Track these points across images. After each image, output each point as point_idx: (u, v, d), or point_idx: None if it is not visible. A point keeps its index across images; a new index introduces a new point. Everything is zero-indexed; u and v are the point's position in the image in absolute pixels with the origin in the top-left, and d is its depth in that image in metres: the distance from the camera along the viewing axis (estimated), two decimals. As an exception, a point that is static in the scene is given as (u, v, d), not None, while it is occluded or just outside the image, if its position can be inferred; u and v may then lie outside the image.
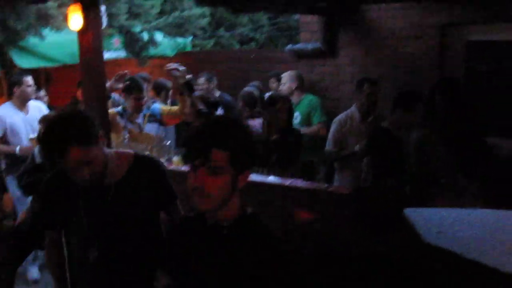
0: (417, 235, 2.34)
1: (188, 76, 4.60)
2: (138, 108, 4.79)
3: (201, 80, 6.36)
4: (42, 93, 6.28)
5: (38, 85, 8.27)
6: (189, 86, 4.58)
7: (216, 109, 5.35)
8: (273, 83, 6.64)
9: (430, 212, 2.62)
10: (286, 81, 5.74)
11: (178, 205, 2.61)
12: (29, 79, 5.21)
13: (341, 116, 4.79)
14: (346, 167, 4.70)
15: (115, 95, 5.57)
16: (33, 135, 4.96)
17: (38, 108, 5.37)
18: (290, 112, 4.41)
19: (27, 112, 5.28)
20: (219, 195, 1.72)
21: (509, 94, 5.24)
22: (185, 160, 1.78)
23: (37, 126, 5.14)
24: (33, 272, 5.33)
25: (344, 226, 3.28)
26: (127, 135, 4.74)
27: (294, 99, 5.57)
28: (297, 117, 5.50)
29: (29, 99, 5.29)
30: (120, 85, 4.73)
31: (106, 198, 2.40)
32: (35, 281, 5.33)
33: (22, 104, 5.25)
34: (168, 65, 4.61)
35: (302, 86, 5.78)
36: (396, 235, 2.84)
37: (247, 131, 1.79)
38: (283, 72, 6.40)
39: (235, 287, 1.71)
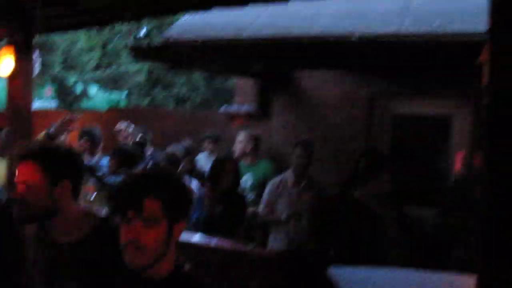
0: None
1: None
2: None
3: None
4: None
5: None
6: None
7: (142, 148, 5.24)
8: (208, 144, 6.63)
9: (355, 271, 2.64)
10: (241, 141, 5.50)
11: None
12: None
13: (275, 179, 4.80)
14: (278, 230, 4.68)
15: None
16: None
17: None
18: (236, 175, 4.34)
19: None
20: (155, 247, 1.64)
21: (431, 166, 5.49)
22: (115, 212, 1.69)
23: None
24: None
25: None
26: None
27: (247, 161, 5.45)
28: (247, 181, 5.29)
29: None
30: (68, 130, 4.57)
31: (54, 257, 2.16)
32: None
33: None
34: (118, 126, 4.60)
35: (257, 149, 5.57)
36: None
37: (181, 181, 1.77)
38: (218, 134, 6.46)
39: None
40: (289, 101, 6.24)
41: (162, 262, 1.69)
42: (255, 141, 5.56)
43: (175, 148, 5.63)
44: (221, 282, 3.36)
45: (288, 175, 4.75)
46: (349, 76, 5.87)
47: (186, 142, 6.32)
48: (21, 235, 2.24)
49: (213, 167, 4.36)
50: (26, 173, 2.02)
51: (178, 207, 1.70)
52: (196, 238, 3.83)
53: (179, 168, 5.24)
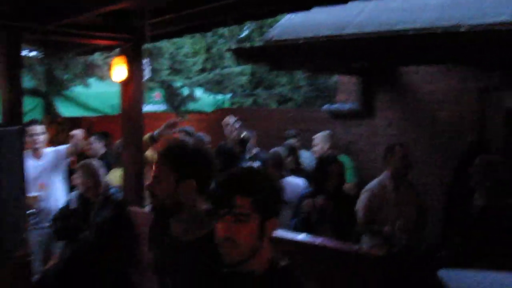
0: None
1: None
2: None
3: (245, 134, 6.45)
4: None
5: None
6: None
7: (244, 145, 5.35)
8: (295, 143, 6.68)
9: (466, 275, 2.52)
10: (319, 142, 5.70)
11: None
12: (33, 128, 5.24)
13: (373, 185, 4.52)
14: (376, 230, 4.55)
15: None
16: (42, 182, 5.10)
17: (54, 151, 5.33)
18: (341, 176, 4.29)
19: (39, 159, 5.28)
20: (247, 243, 1.71)
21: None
22: (211, 213, 1.77)
23: (50, 173, 5.18)
24: None
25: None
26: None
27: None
28: None
29: (36, 147, 5.27)
30: (170, 132, 4.83)
31: (177, 253, 2.23)
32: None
33: (33, 151, 5.26)
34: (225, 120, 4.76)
35: (334, 147, 5.74)
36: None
37: (271, 179, 1.80)
38: (296, 132, 6.52)
39: None
40: (394, 97, 6.08)
41: (257, 257, 1.75)
42: (332, 139, 5.70)
43: (278, 149, 5.70)
44: (325, 281, 3.35)
45: (386, 179, 4.48)
46: (457, 70, 5.62)
47: (290, 141, 6.38)
48: (136, 233, 2.37)
49: (317, 168, 4.36)
50: (158, 169, 2.15)
51: (269, 205, 1.74)
52: (301, 236, 3.84)
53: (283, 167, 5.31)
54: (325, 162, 4.30)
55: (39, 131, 5.18)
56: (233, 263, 1.77)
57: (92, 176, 4.34)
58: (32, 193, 4.93)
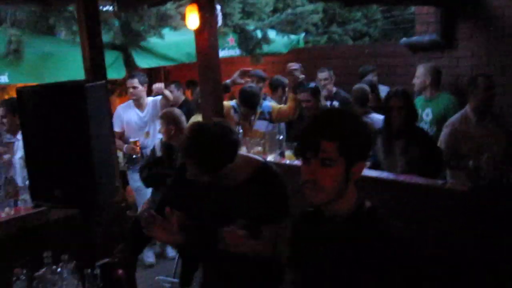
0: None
1: (301, 76, 4.75)
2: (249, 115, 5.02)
3: (323, 74, 6.37)
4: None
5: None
6: (299, 85, 4.72)
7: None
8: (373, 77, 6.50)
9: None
10: (420, 74, 5.31)
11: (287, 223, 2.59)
12: (131, 82, 5.69)
13: (455, 118, 4.41)
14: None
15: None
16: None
17: (153, 102, 5.68)
18: (408, 110, 4.02)
19: (142, 110, 5.63)
20: (332, 186, 1.71)
21: None
22: (297, 153, 1.78)
23: (151, 122, 5.49)
24: (149, 256, 5.67)
25: (462, 225, 3.13)
26: (240, 130, 4.88)
27: (427, 94, 5.27)
28: (428, 114, 5.16)
29: (137, 98, 5.61)
30: (243, 81, 4.87)
31: (227, 199, 2.49)
32: (151, 265, 5.67)
33: (136, 102, 5.63)
34: (290, 65, 4.75)
35: (438, 81, 5.32)
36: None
37: (359, 122, 1.76)
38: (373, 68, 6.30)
39: (349, 281, 1.68)
40: (477, 26, 5.75)
41: (341, 200, 1.75)
42: (436, 73, 5.28)
43: (362, 85, 5.60)
44: (410, 217, 3.33)
45: (469, 112, 4.32)
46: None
47: (369, 77, 6.23)
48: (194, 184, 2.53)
49: (383, 104, 4.25)
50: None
51: (355, 149, 1.72)
52: (385, 174, 3.82)
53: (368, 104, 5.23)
54: (386, 97, 4.14)
55: (137, 84, 5.53)
56: (315, 204, 1.80)
57: (174, 123, 4.49)
58: (132, 139, 5.33)
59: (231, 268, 2.53)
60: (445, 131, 4.43)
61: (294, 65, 4.82)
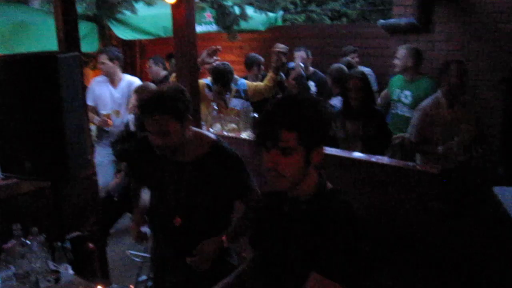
0: (505, 213, 2.25)
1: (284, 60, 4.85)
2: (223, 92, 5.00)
3: (300, 53, 6.34)
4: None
5: (134, 58, 8.65)
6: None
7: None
8: (353, 59, 6.51)
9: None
10: (401, 56, 5.26)
11: (255, 196, 2.64)
12: (99, 57, 5.52)
13: (426, 103, 4.44)
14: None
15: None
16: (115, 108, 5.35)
17: (129, 83, 5.55)
18: (366, 92, 4.20)
19: (115, 87, 5.50)
20: (292, 174, 1.75)
21: None
22: (257, 142, 1.79)
23: (125, 99, 5.39)
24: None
25: (431, 206, 3.19)
26: (215, 107, 4.87)
27: (408, 76, 5.24)
28: (407, 97, 5.16)
29: (107, 74, 5.50)
30: (211, 60, 4.77)
31: (183, 173, 2.55)
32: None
33: (108, 78, 5.49)
34: (278, 46, 4.72)
35: (419, 64, 5.29)
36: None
37: (319, 109, 1.76)
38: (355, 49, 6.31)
39: (310, 261, 1.71)
40: (453, 10, 5.79)
41: (302, 184, 1.80)
42: (417, 55, 5.26)
43: (340, 65, 5.61)
44: (381, 198, 3.39)
45: (440, 97, 4.36)
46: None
47: (347, 58, 6.24)
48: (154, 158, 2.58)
49: (343, 85, 4.33)
50: (164, 125, 2.41)
51: (314, 136, 1.74)
52: (356, 154, 3.86)
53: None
54: (344, 78, 4.25)
55: (105, 59, 5.36)
56: (279, 190, 1.84)
57: None
58: (104, 111, 5.24)
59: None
60: (416, 115, 4.47)
61: (283, 48, 4.76)
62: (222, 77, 4.88)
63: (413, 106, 5.02)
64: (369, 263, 1.74)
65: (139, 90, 4.55)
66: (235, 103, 5.03)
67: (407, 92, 5.16)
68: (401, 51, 5.28)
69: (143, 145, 2.67)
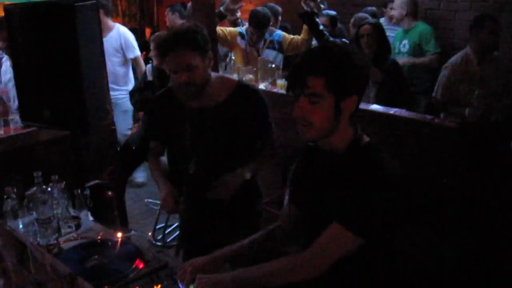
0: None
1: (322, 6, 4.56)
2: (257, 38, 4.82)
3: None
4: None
5: (151, 7, 8.54)
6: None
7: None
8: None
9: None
10: (397, 6, 5.40)
11: (273, 135, 2.64)
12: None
13: (455, 59, 4.33)
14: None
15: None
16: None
17: (118, 33, 5.34)
18: (380, 40, 4.12)
19: (104, 36, 5.35)
20: (321, 123, 1.72)
21: None
22: (287, 89, 1.78)
23: (112, 49, 5.26)
24: (140, 176, 5.75)
25: (449, 160, 3.18)
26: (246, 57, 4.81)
27: (405, 25, 5.35)
28: (405, 45, 5.27)
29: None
30: (236, 6, 4.66)
31: (206, 119, 2.51)
32: (141, 185, 5.80)
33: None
34: None
35: (415, 12, 5.39)
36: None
37: (350, 56, 1.71)
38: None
39: (341, 212, 1.71)
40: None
41: (336, 136, 1.77)
42: (412, 4, 5.32)
43: (363, 14, 5.50)
44: (402, 151, 3.37)
45: (470, 53, 4.25)
46: None
47: (371, 8, 6.08)
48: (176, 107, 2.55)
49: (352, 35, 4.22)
50: (191, 60, 2.36)
51: (344, 84, 1.69)
52: (374, 106, 3.83)
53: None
54: (357, 26, 4.14)
55: None
56: (308, 141, 1.83)
57: None
58: None
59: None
60: (443, 72, 4.37)
61: None
62: (256, 20, 4.75)
63: (410, 53, 5.19)
64: (395, 220, 1.73)
65: (157, 40, 4.51)
66: (268, 54, 4.92)
67: (405, 41, 5.26)
68: (397, 1, 5.34)
69: (163, 98, 2.66)
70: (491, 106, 3.52)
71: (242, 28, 4.97)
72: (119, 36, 5.28)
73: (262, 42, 4.88)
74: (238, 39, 4.87)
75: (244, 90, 2.56)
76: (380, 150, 1.78)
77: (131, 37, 5.38)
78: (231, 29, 4.89)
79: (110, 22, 5.30)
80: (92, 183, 2.97)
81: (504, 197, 2.89)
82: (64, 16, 2.62)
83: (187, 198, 2.58)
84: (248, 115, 2.51)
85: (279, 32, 5.07)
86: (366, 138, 1.82)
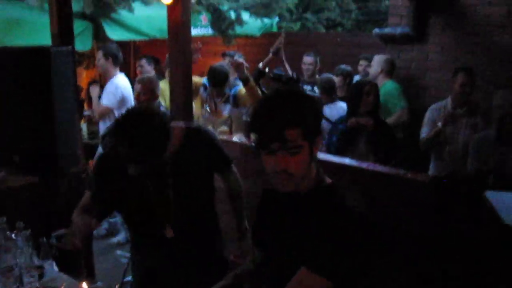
0: (497, 217, 2.25)
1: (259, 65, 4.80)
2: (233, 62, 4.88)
3: (309, 59, 6.31)
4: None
5: (127, 58, 8.60)
6: (259, 74, 4.69)
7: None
8: (360, 66, 6.51)
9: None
10: (374, 63, 5.60)
11: (233, 170, 2.64)
12: (97, 54, 5.46)
13: (435, 105, 4.65)
14: (441, 156, 4.52)
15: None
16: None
17: (114, 81, 5.41)
18: (376, 98, 4.23)
19: (104, 84, 5.45)
20: (301, 172, 1.70)
21: None
22: (260, 147, 1.72)
23: (106, 97, 5.30)
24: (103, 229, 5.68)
25: (422, 213, 3.19)
26: (207, 109, 4.85)
27: (378, 82, 5.43)
28: None
29: (101, 72, 5.42)
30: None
31: (165, 170, 2.43)
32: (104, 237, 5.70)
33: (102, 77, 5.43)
34: (235, 60, 4.74)
35: (390, 71, 5.54)
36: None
37: (311, 99, 1.75)
38: (372, 56, 6.30)
39: (308, 255, 1.67)
40: (448, 21, 5.81)
41: (305, 179, 1.75)
42: (388, 64, 5.53)
43: (329, 75, 5.62)
44: (372, 204, 3.37)
45: (448, 101, 4.54)
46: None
47: (343, 66, 6.24)
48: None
49: (352, 90, 4.32)
50: None
51: (315, 128, 1.71)
52: (347, 160, 3.85)
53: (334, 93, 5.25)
54: (360, 84, 4.26)
55: (100, 56, 5.27)
56: (288, 191, 1.76)
57: (149, 90, 4.57)
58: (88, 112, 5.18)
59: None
60: (426, 116, 4.64)
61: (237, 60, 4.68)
62: (213, 78, 4.83)
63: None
64: (363, 262, 1.69)
65: (141, 81, 4.60)
66: (224, 108, 4.99)
67: None
68: (375, 59, 5.60)
69: (111, 156, 2.45)
70: (462, 160, 3.60)
71: (205, 80, 5.04)
72: (111, 83, 5.37)
73: (220, 96, 4.95)
74: (201, 90, 4.95)
75: (194, 133, 2.57)
76: (343, 191, 1.77)
77: (122, 85, 5.43)
78: (197, 79, 4.96)
79: (114, 71, 5.41)
80: (59, 231, 2.88)
81: (480, 247, 2.89)
82: (39, 61, 2.61)
83: (165, 261, 2.51)
84: (204, 154, 2.50)
85: (238, 86, 5.11)
86: (328, 179, 1.81)
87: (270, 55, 4.99)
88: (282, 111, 1.65)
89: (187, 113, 4.11)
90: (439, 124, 4.35)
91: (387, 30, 6.39)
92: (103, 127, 5.23)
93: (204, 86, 4.98)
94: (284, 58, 5.32)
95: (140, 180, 2.40)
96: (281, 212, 1.83)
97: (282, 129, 1.62)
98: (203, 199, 2.55)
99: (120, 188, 2.45)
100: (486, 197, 2.52)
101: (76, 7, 5.76)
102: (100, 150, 5.03)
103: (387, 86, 5.42)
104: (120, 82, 5.42)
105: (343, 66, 6.08)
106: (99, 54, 5.34)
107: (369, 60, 6.06)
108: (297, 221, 1.75)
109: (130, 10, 6.12)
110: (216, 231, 2.63)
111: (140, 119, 2.20)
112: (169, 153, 2.40)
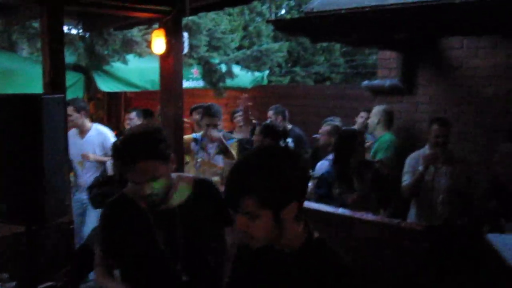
0: (501, 259, 2.20)
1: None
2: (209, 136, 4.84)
3: (270, 113, 6.36)
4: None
5: (119, 110, 8.64)
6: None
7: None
8: (361, 118, 6.54)
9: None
10: (373, 114, 5.58)
11: (232, 230, 2.56)
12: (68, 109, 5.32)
13: (414, 154, 4.61)
14: (422, 203, 4.49)
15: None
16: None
17: (97, 131, 5.34)
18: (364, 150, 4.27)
19: (82, 137, 5.35)
20: (263, 235, 1.65)
21: None
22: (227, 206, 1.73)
23: (92, 149, 5.24)
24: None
25: (415, 262, 3.13)
26: (199, 160, 4.82)
27: (376, 134, 5.50)
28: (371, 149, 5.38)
29: (73, 126, 5.21)
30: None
31: (174, 220, 2.38)
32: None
33: (77, 130, 5.34)
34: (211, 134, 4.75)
35: (388, 122, 5.52)
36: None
37: (283, 165, 1.64)
38: (370, 108, 6.38)
39: None
40: (436, 73, 5.91)
41: (285, 238, 1.68)
42: (387, 115, 5.50)
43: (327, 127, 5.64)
44: (365, 254, 3.32)
45: (426, 150, 4.51)
46: (504, 45, 5.41)
47: (333, 118, 6.27)
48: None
49: (340, 142, 4.25)
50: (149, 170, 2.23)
51: (279, 196, 1.61)
52: (340, 210, 3.81)
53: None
54: (350, 136, 4.25)
55: (71, 111, 5.14)
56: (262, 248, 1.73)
57: None
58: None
59: None
60: (406, 164, 4.59)
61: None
62: (209, 110, 4.81)
63: (373, 156, 5.29)
64: None
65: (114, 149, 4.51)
66: (217, 158, 4.98)
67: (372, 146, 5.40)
68: (374, 110, 5.58)
69: (118, 205, 2.45)
70: (455, 210, 3.58)
71: (197, 134, 5.03)
72: (99, 134, 5.26)
73: (214, 148, 4.92)
74: (192, 144, 4.93)
75: (202, 185, 2.52)
76: (331, 245, 1.73)
77: (109, 134, 5.34)
78: (186, 136, 4.97)
79: (89, 123, 5.30)
80: (45, 284, 2.79)
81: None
82: (30, 108, 2.57)
83: None
84: (210, 208, 2.46)
85: (232, 140, 5.14)
86: (317, 234, 1.75)
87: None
88: (239, 178, 1.63)
89: (179, 163, 4.09)
90: (420, 167, 4.31)
91: (376, 82, 6.49)
92: (87, 179, 5.14)
93: (194, 140, 4.97)
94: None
95: (150, 232, 2.35)
96: (269, 272, 1.76)
97: (236, 197, 1.62)
98: (212, 248, 2.48)
99: (126, 235, 2.39)
100: (488, 240, 2.49)
101: (70, 59, 5.83)
102: (85, 201, 4.96)
103: (383, 138, 5.41)
104: (104, 130, 5.37)
105: (330, 119, 6.11)
106: (69, 110, 5.21)
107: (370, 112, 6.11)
108: (289, 282, 1.68)
109: (124, 62, 6.18)
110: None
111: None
112: (180, 199, 2.40)
